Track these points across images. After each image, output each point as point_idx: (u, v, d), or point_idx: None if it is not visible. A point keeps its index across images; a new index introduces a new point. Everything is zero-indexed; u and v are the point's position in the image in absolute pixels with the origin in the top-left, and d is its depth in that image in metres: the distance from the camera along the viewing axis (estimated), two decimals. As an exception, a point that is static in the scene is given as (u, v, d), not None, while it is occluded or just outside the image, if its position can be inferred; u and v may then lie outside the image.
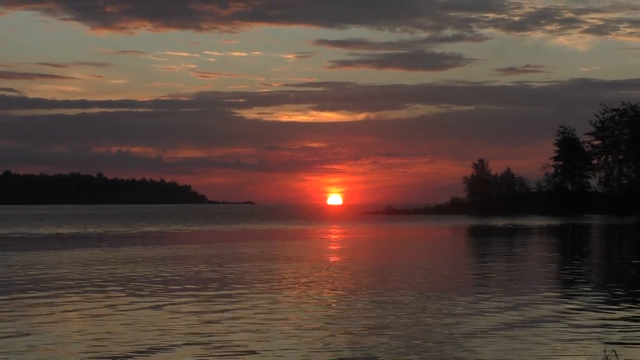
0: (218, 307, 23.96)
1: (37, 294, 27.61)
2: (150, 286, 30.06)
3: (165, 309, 23.82)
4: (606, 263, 43.53)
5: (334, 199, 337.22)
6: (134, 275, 34.60)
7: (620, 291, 28.41)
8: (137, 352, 17.31)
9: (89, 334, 19.43)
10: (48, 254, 48.78)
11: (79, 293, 27.99)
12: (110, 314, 22.79)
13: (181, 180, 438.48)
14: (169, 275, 34.64)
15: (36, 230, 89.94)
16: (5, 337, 18.95)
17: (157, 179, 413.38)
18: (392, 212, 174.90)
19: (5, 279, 33.13)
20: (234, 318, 21.74)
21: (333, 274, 34.76)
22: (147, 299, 26.25)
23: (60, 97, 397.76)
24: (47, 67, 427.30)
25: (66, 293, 28.01)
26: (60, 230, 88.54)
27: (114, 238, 71.88)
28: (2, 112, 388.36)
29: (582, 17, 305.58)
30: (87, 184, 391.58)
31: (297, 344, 18.02)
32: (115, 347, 17.77)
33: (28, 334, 19.42)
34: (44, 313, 23.00)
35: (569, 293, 28.09)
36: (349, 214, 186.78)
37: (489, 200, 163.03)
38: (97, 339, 18.66)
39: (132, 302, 25.37)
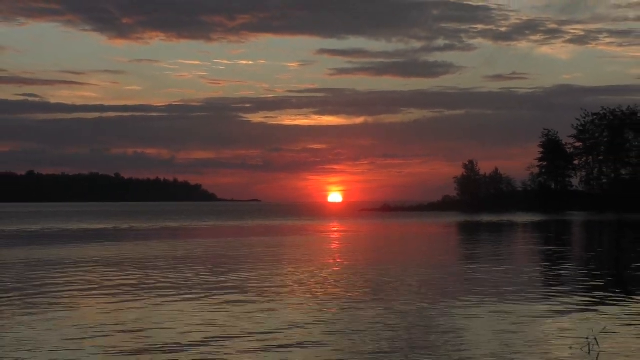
0: (243, 299, 23.91)
1: (70, 287, 27.54)
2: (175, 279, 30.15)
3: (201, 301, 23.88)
4: (587, 256, 43.31)
5: (335, 197, 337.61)
6: (166, 269, 34.36)
7: (600, 283, 28.35)
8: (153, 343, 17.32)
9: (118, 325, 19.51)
10: (83, 248, 48.83)
11: (110, 287, 27.92)
12: (134, 307, 22.75)
13: (192, 179, 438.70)
14: (199, 268, 34.69)
15: (66, 226, 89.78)
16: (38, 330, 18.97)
17: (170, 178, 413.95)
18: (388, 209, 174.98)
19: (42, 273, 32.90)
20: (254, 310, 21.76)
21: (336, 270, 34.79)
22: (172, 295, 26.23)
23: (80, 102, 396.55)
24: (67, 74, 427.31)
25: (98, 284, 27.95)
26: (87, 226, 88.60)
27: (141, 233, 72.10)
28: (26, 116, 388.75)
29: (565, 27, 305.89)
30: (105, 183, 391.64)
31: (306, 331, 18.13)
32: (136, 339, 17.84)
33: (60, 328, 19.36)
34: (73, 307, 23.03)
35: (553, 284, 28.04)
36: (348, 211, 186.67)
37: (478, 198, 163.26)
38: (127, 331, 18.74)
39: (173, 295, 25.21)
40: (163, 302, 23.57)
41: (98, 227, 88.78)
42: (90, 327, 18.94)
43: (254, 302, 23.35)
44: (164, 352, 16.11)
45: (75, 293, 25.87)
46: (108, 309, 22.16)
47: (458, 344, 16.69)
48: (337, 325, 19.04)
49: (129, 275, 32.01)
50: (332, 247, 53.38)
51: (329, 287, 27.38)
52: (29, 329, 18.81)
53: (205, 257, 41.58)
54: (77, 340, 17.38)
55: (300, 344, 16.78)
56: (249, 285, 27.97)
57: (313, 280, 29.61)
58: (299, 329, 18.68)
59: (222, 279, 30.01)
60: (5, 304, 23.18)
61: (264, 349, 16.32)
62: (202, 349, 16.40)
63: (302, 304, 22.89)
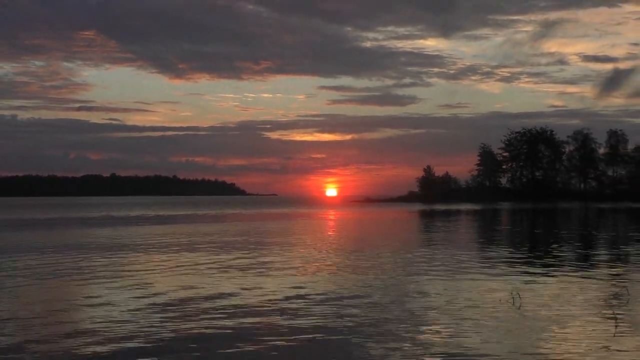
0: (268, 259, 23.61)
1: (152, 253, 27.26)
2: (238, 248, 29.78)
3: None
4: (510, 232, 42.93)
5: (331, 192, 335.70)
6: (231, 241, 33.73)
7: (520, 251, 28.17)
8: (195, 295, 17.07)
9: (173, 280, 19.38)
10: (171, 226, 48.76)
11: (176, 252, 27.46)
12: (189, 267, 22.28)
13: (229, 179, 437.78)
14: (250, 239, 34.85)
15: (154, 212, 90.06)
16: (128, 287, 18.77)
17: (212, 179, 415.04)
18: (369, 200, 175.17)
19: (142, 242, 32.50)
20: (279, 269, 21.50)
21: (331, 240, 34.16)
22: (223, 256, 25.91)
23: (148, 124, 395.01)
24: (139, 104, 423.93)
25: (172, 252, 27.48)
26: (173, 213, 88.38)
27: (209, 217, 72.08)
28: (110, 134, 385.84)
29: (496, 70, 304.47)
30: (166, 182, 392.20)
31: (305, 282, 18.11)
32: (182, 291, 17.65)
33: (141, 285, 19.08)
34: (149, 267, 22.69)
35: (484, 251, 27.80)
36: (341, 202, 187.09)
37: (433, 192, 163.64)
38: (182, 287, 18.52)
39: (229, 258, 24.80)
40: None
41: (185, 213, 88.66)
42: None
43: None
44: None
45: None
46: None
47: (410, 301, 16.41)
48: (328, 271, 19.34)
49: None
50: (330, 223, 53.54)
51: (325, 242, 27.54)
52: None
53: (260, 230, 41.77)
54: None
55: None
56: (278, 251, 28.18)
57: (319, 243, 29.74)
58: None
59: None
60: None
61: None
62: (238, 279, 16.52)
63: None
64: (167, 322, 13.27)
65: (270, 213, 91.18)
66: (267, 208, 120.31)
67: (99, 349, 11.07)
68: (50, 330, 12.49)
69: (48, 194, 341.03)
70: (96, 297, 16.52)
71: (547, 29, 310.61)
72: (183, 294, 16.87)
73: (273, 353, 10.84)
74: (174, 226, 53.95)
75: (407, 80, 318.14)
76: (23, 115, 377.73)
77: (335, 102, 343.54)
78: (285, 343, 11.44)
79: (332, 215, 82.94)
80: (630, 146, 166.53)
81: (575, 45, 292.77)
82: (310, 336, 11.95)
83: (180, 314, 14.08)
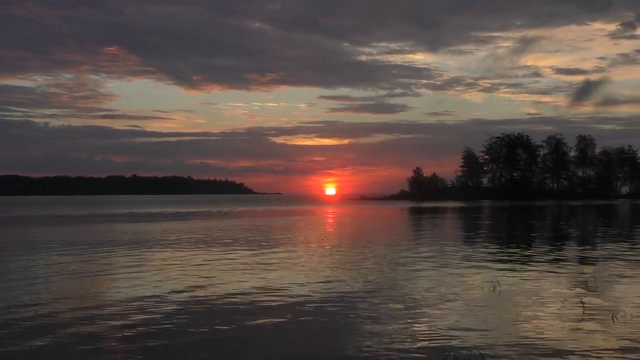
0: (275, 253, 23.45)
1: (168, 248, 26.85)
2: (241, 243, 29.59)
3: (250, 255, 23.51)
4: (491, 226, 42.45)
5: (330, 191, 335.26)
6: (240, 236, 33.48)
7: (500, 244, 28.04)
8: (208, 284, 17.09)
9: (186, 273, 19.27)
10: (186, 223, 48.80)
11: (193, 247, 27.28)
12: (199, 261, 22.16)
13: (238, 180, 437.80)
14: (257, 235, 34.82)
15: (172, 210, 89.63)
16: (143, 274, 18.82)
17: (223, 179, 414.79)
18: (364, 199, 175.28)
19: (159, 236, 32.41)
20: (283, 262, 21.43)
21: (332, 236, 34.18)
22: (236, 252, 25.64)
23: (166, 131, 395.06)
24: (158, 112, 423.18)
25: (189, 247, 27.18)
26: (189, 210, 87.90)
27: (221, 214, 72.07)
28: (132, 139, 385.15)
29: (478, 82, 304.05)
30: (182, 182, 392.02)
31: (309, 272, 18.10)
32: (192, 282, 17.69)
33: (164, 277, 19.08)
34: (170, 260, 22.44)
35: (468, 244, 27.66)
36: (339, 200, 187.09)
37: (422, 191, 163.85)
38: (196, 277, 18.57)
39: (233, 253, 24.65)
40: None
41: (201, 210, 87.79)
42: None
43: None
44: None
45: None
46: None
47: (402, 291, 16.34)
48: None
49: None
50: (330, 220, 53.50)
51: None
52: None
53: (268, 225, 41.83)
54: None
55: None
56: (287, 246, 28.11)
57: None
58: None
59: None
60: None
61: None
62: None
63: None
64: (188, 319, 12.52)
65: (276, 210, 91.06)
66: (273, 205, 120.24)
67: (127, 346, 10.52)
68: (80, 327, 11.78)
69: (76, 193, 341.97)
70: (122, 293, 15.81)
71: (524, 45, 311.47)
72: (205, 290, 15.90)
73: (276, 351, 10.45)
74: (191, 222, 53.94)
75: (398, 90, 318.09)
76: (54, 122, 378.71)
77: (333, 110, 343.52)
78: (289, 340, 11.14)
79: (331, 212, 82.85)
80: (598, 150, 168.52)
81: (549, 59, 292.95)
82: (311, 332, 11.61)
83: (201, 311, 13.34)
